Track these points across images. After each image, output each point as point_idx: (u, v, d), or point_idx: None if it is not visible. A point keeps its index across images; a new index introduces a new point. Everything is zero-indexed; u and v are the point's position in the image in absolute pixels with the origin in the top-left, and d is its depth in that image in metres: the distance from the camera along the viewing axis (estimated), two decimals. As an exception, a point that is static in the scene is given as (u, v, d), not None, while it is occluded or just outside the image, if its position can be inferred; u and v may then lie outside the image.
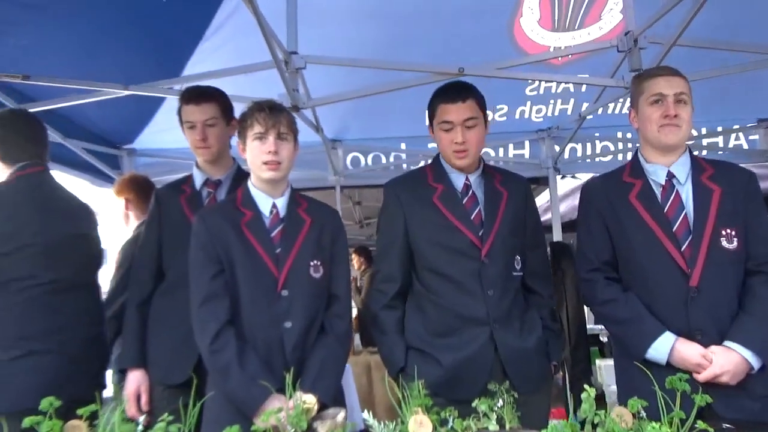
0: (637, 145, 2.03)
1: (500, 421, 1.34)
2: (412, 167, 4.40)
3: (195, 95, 2.16)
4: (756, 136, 3.93)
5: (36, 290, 2.00)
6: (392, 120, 4.18)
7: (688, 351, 1.70)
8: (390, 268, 2.03)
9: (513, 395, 1.46)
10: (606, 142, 4.21)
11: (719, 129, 3.94)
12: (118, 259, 2.77)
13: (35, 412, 1.93)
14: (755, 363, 1.67)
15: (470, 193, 2.02)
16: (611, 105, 3.84)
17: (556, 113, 4.09)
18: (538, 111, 4.11)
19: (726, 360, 1.67)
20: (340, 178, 4.36)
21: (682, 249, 1.77)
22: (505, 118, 4.11)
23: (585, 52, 3.14)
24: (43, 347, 1.98)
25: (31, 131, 2.18)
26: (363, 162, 4.41)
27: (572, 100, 3.99)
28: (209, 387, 1.80)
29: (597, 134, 4.18)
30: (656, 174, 1.87)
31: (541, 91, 3.94)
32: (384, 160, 4.40)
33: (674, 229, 1.79)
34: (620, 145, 4.18)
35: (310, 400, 1.39)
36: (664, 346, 1.73)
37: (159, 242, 2.17)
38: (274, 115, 1.79)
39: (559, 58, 3.42)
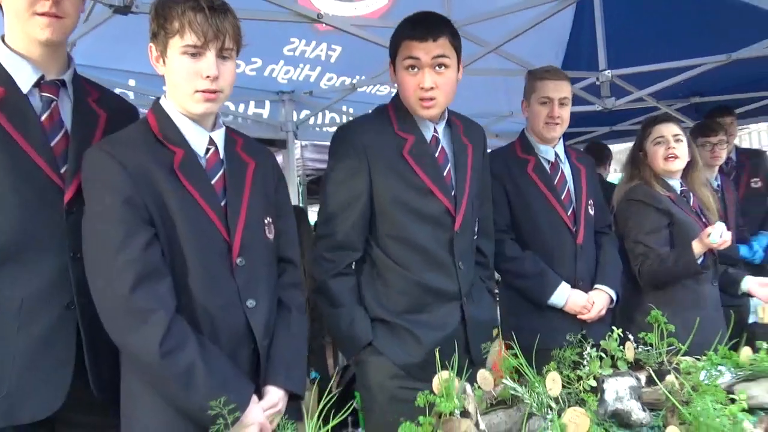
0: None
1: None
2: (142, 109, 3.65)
3: None
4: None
5: None
6: (125, 49, 3.30)
7: (578, 298, 2.19)
8: (346, 234, 1.74)
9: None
10: (333, 114, 4.45)
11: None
12: None
13: None
14: (615, 298, 2.26)
15: (440, 147, 1.81)
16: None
17: (301, 78, 4.08)
18: (287, 72, 4.01)
19: (601, 300, 2.22)
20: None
21: (568, 214, 2.24)
22: (254, 74, 3.84)
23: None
24: None
25: None
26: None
27: (319, 68, 4.07)
28: (129, 402, 1.33)
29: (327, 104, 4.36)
30: (547, 153, 2.30)
31: (297, 53, 3.87)
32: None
33: (562, 198, 2.25)
34: (344, 118, 4.51)
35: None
36: (563, 294, 2.18)
37: None
38: (216, 18, 1.30)
39: (324, 25, 3.48)
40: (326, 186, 1.79)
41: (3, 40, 1.40)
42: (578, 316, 2.18)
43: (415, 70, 1.71)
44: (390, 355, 1.72)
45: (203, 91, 1.30)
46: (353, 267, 1.80)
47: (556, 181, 2.27)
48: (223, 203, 1.38)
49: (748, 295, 2.52)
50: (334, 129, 4.61)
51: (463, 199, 1.79)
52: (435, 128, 1.81)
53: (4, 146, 1.31)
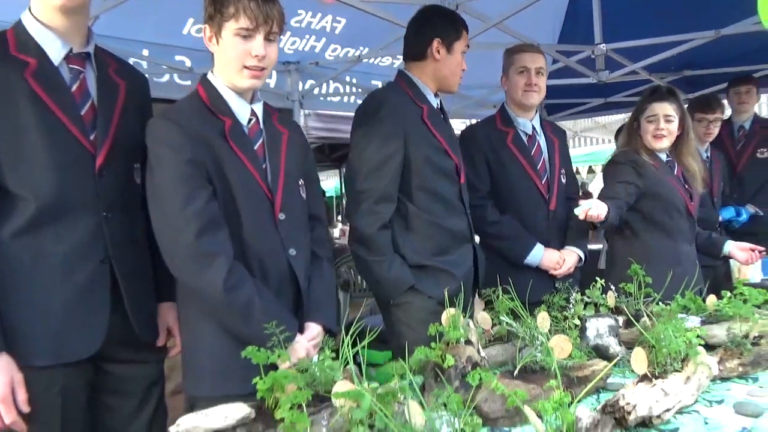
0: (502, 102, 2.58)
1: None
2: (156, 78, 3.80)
3: None
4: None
5: None
6: (140, 22, 3.44)
7: (552, 256, 2.39)
8: (387, 185, 1.96)
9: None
10: (338, 84, 4.60)
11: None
12: None
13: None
14: (582, 257, 2.49)
15: (442, 116, 2.14)
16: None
17: (307, 49, 4.21)
18: (293, 43, 4.14)
19: (571, 259, 2.43)
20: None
21: (543, 182, 2.43)
22: (261, 45, 3.97)
23: None
24: None
25: None
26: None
27: (324, 39, 4.21)
28: (189, 331, 1.55)
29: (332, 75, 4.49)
30: (525, 126, 2.48)
31: (303, 25, 4.00)
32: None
33: (538, 168, 2.44)
34: (347, 88, 4.66)
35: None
36: (538, 254, 2.38)
37: None
38: (266, 5, 1.47)
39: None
40: (365, 145, 1.97)
41: (30, 12, 1.46)
42: (550, 272, 2.39)
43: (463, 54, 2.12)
44: (430, 293, 1.97)
45: (251, 68, 1.49)
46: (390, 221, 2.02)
47: (533, 152, 2.46)
48: (264, 166, 1.57)
49: (729, 257, 2.76)
50: (338, 99, 4.80)
51: (461, 159, 2.16)
52: (437, 101, 2.14)
53: (42, 115, 1.40)
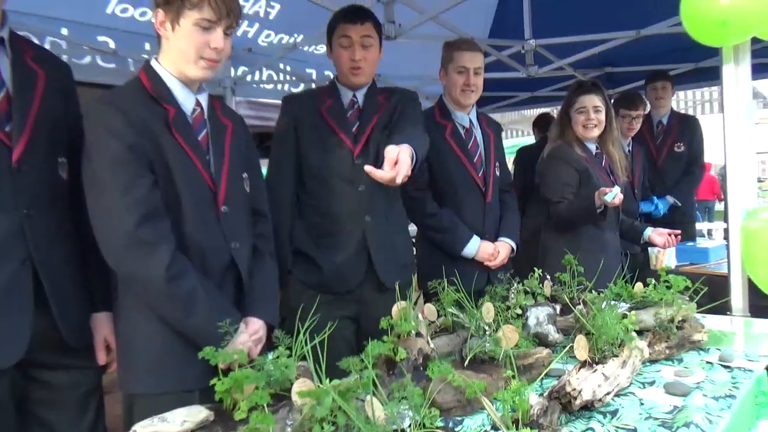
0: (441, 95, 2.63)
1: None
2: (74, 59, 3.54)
3: None
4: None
5: None
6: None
7: (487, 248, 2.48)
8: (287, 178, 2.14)
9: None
10: (271, 71, 4.49)
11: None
12: None
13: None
14: (515, 247, 2.60)
15: (355, 107, 2.18)
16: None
17: (239, 34, 4.08)
18: (225, 27, 3.99)
19: (505, 250, 2.53)
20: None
21: (479, 175, 2.52)
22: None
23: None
24: None
25: None
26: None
27: (257, 25, 4.09)
28: (127, 330, 1.49)
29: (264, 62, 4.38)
30: (462, 120, 2.55)
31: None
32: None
33: (474, 161, 2.52)
34: (281, 76, 4.56)
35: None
36: (474, 246, 2.47)
37: None
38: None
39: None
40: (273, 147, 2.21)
41: None
42: (485, 263, 2.48)
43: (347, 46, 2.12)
44: (302, 278, 2.12)
45: (207, 59, 1.46)
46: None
47: (470, 145, 2.53)
48: (207, 158, 1.53)
49: (650, 243, 2.96)
50: (271, 86, 4.70)
51: (363, 135, 2.10)
52: (354, 94, 2.19)
53: None
